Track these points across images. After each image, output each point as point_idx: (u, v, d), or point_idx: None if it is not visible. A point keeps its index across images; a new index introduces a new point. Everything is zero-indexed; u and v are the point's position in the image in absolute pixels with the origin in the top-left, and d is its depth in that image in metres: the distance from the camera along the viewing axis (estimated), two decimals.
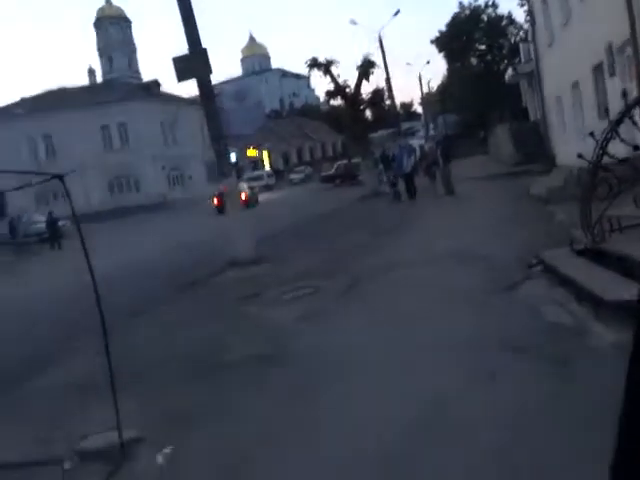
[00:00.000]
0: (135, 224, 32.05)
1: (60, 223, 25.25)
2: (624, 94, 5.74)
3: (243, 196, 32.32)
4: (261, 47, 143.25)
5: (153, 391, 4.51)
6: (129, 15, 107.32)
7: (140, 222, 32.91)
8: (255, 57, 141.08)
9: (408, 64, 54.73)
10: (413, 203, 18.25)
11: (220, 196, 29.38)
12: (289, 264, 9.82)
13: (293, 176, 58.68)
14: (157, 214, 38.07)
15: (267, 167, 67.90)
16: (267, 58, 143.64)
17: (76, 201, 4.24)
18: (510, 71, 32.65)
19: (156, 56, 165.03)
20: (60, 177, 3.76)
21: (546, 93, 23.21)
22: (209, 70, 11.92)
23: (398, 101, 68.14)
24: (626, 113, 5.47)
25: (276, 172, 60.37)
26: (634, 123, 5.48)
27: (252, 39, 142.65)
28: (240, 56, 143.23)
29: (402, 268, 7.74)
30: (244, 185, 34.65)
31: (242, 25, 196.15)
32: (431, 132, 58.84)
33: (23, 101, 54.56)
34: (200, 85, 11.91)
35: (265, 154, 73.16)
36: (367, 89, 28.08)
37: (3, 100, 66.59)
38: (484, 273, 6.66)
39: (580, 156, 6.07)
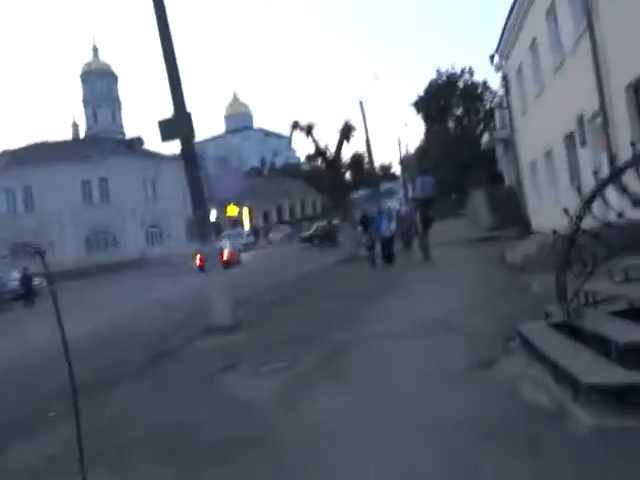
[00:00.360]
0: (111, 283, 31.65)
1: (35, 281, 24.85)
2: (595, 173, 5.88)
3: (225, 255, 32.82)
4: (244, 106, 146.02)
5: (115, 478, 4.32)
6: (116, 70, 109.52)
7: (117, 280, 32.54)
8: (238, 116, 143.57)
9: (387, 126, 56.03)
10: (390, 269, 17.81)
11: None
12: (267, 332, 9.69)
13: (272, 235, 58.84)
14: (135, 272, 37.74)
15: (247, 226, 68.10)
16: (250, 117, 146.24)
17: (52, 257, 4.17)
18: (486, 136, 33.62)
19: (141, 111, 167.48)
20: (41, 254, 3.72)
21: (521, 159, 23.81)
22: (192, 133, 12.07)
23: (377, 162, 69.62)
24: (597, 192, 5.61)
25: (256, 231, 60.58)
26: (605, 203, 5.61)
27: (236, 98, 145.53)
28: (223, 114, 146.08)
29: (378, 340, 7.68)
30: (227, 243, 34.93)
31: (226, 83, 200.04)
32: (410, 194, 59.68)
33: (4, 153, 54.63)
34: (183, 148, 12.03)
35: (245, 212, 73.49)
36: (347, 151, 28.60)
37: None
38: (461, 347, 6.63)
39: (554, 232, 6.17)
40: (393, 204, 45.67)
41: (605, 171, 11.15)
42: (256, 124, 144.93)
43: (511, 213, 24.43)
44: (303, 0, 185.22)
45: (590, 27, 11.89)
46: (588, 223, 5.82)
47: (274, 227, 66.52)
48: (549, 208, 18.04)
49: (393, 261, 18.51)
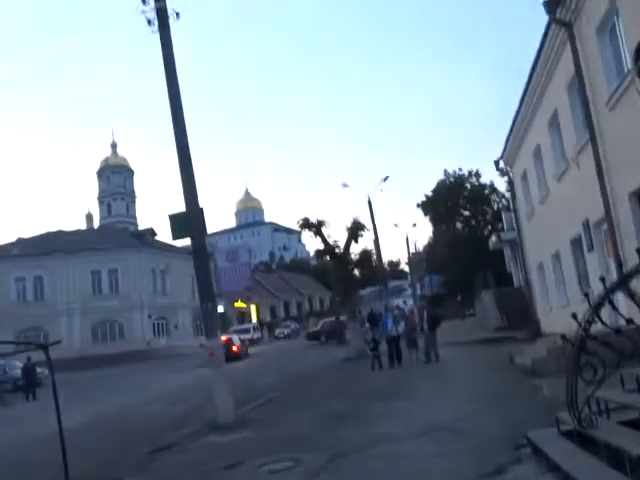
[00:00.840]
0: (116, 373, 31.23)
1: (38, 370, 24.51)
2: (602, 278, 5.93)
3: (235, 348, 33.31)
4: (256, 201, 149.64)
5: None
6: (132, 164, 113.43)
7: (122, 371, 32.10)
8: (249, 210, 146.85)
9: (395, 225, 56.83)
10: (396, 369, 17.25)
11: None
12: (270, 430, 9.48)
13: (279, 331, 58.41)
14: (140, 363, 37.27)
15: (254, 320, 67.79)
16: (261, 212, 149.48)
17: (58, 346, 4.16)
18: (494, 238, 33.93)
19: (154, 202, 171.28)
20: (45, 347, 3.75)
21: (528, 262, 23.95)
22: (204, 230, 12.28)
23: (386, 260, 70.17)
24: (605, 298, 5.64)
25: (263, 325, 60.16)
26: (614, 308, 5.62)
27: (247, 193, 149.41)
28: (235, 208, 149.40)
29: (383, 444, 7.46)
30: (236, 337, 35.36)
31: (238, 176, 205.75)
32: (418, 292, 59.70)
33: (19, 241, 55.58)
34: (194, 243, 12.21)
35: (253, 307, 73.37)
36: (356, 248, 28.86)
37: (1, 239, 67.84)
38: (469, 453, 6.44)
39: (563, 337, 6.15)
40: (401, 302, 45.59)
41: (613, 276, 11.24)
42: (266, 218, 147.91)
43: (520, 315, 24.30)
44: (316, 98, 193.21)
45: (592, 136, 12.34)
46: (598, 328, 5.82)
47: (281, 322, 66.11)
48: (558, 311, 17.98)
49: (400, 361, 17.95)
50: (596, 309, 5.73)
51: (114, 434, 11.31)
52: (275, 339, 54.67)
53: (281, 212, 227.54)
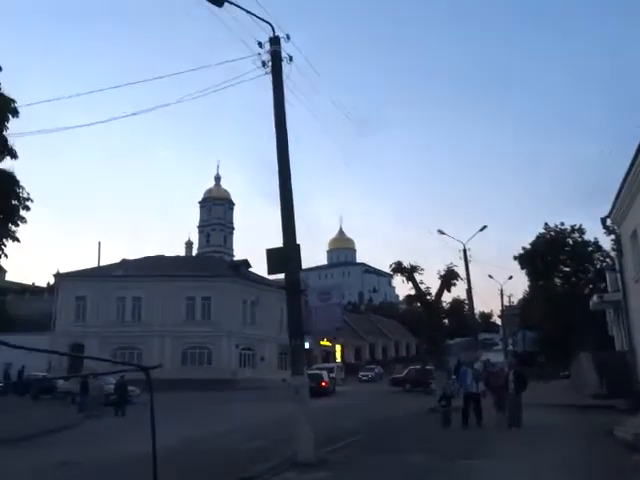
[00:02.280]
0: (202, 399, 31.97)
1: (129, 388, 25.48)
2: None
3: (323, 383, 34.13)
4: (349, 241, 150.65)
5: None
6: (233, 197, 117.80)
7: (207, 398, 32.82)
8: (341, 250, 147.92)
9: (490, 277, 55.23)
10: (475, 430, 15.76)
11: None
12: (349, 475, 9.35)
13: (363, 373, 57.81)
14: (225, 392, 38.00)
15: (338, 360, 67.54)
16: (353, 252, 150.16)
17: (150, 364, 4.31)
18: (595, 298, 32.25)
19: (251, 234, 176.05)
20: (146, 370, 3.93)
21: (634, 326, 22.53)
22: (299, 266, 12.49)
23: (477, 310, 68.17)
24: None
25: (346, 366, 59.75)
26: None
27: (341, 232, 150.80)
28: (327, 247, 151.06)
29: None
30: (325, 373, 35.92)
31: (332, 216, 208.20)
32: (509, 347, 57.56)
33: (123, 263, 58.66)
34: (288, 278, 12.42)
35: (338, 347, 73.17)
36: (448, 297, 28.43)
37: (109, 259, 71.94)
38: None
39: None
40: (492, 354, 43.99)
41: None
42: (358, 259, 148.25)
43: (621, 382, 22.77)
44: (413, 141, 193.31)
45: None
46: None
47: (365, 365, 65.45)
48: None
49: (480, 422, 16.31)
50: None
51: (198, 460, 11.55)
52: (358, 381, 54.12)
53: (373, 253, 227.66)
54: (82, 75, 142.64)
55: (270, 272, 12.99)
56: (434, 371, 27.98)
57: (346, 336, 74.58)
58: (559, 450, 11.94)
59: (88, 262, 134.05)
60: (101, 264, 59.29)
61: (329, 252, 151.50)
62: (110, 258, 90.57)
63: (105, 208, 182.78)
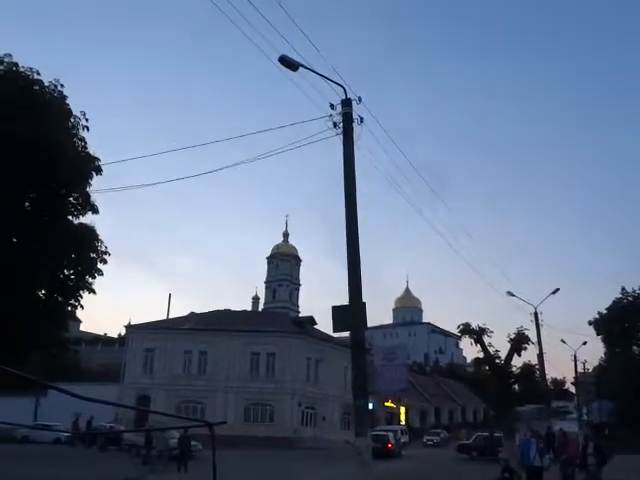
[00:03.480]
0: (265, 458, 31.63)
1: (192, 443, 25.55)
2: None
3: (390, 445, 33.80)
4: (415, 300, 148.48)
5: None
6: (300, 253, 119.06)
7: (270, 457, 32.46)
8: (407, 309, 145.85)
9: (563, 341, 53.01)
10: None
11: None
12: None
13: (428, 438, 55.86)
14: (287, 451, 37.53)
15: (402, 422, 65.65)
16: (419, 311, 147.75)
17: (213, 420, 4.34)
18: None
19: (317, 291, 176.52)
20: (210, 425, 3.98)
21: None
22: (364, 324, 12.41)
23: (549, 376, 65.22)
24: None
25: (411, 429, 57.94)
26: None
27: (408, 291, 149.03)
28: (394, 305, 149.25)
29: None
30: (391, 435, 35.35)
31: (399, 275, 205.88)
32: (584, 417, 54.49)
33: (192, 316, 59.78)
34: (353, 336, 12.36)
35: (402, 409, 71.25)
36: (518, 362, 27.40)
37: (178, 312, 73.58)
38: None
39: None
40: (566, 423, 41.76)
41: None
42: (424, 319, 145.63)
43: None
44: (480, 202, 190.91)
45: None
46: None
47: (430, 429, 63.27)
48: None
49: None
50: None
51: None
52: (423, 445, 52.30)
53: (439, 314, 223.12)
54: (155, 130, 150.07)
55: (335, 330, 12.98)
56: (503, 439, 26.72)
57: (411, 398, 72.61)
58: None
59: (158, 314, 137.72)
60: (170, 316, 60.69)
61: (395, 311, 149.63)
62: (179, 311, 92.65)
63: (177, 261, 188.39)
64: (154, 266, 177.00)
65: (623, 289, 54.99)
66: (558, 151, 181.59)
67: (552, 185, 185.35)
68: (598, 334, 55.41)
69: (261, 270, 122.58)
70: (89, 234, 18.48)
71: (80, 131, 18.34)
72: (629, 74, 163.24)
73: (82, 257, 18.40)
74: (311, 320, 60.06)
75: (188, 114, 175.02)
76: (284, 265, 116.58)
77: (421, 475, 24.26)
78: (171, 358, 52.52)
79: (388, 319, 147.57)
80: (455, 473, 24.99)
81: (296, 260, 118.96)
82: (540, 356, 33.06)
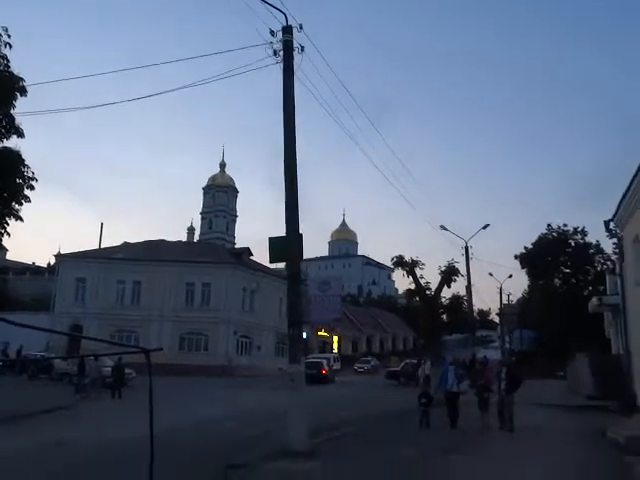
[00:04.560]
0: (198, 385, 32.07)
1: (126, 371, 25.59)
2: None
3: (324, 371, 35.34)
4: (351, 233, 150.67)
5: None
6: (238, 184, 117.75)
7: (203, 384, 32.91)
8: (343, 242, 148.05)
9: (490, 274, 55.28)
10: (462, 430, 14.85)
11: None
12: (342, 466, 9.42)
13: (359, 365, 57.93)
14: (221, 378, 38.15)
15: (335, 351, 67.72)
16: (354, 244, 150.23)
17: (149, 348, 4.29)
18: (594, 300, 32.27)
19: (253, 222, 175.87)
20: (147, 352, 3.95)
21: (631, 330, 22.56)
22: (301, 256, 12.53)
23: (476, 307, 68.27)
24: None
25: (343, 357, 59.91)
26: None
27: (344, 224, 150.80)
28: (329, 238, 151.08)
29: None
30: (325, 362, 38.55)
31: (335, 208, 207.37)
32: (507, 345, 57.67)
33: (125, 246, 58.68)
34: (289, 267, 12.48)
35: (335, 338, 73.33)
36: (447, 293, 28.48)
37: (110, 242, 71.96)
38: None
39: None
40: (490, 352, 44.15)
41: None
42: (359, 251, 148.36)
43: (615, 384, 22.83)
44: (421, 138, 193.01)
45: None
46: None
47: (361, 357, 65.58)
48: None
49: (455, 423, 15.40)
50: None
51: (191, 445, 11.60)
52: (354, 373, 54.29)
53: (374, 247, 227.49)
54: (94, 55, 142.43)
55: (272, 261, 13.05)
56: (423, 365, 27.93)
57: (344, 327, 74.72)
58: (550, 450, 12.00)
59: (90, 244, 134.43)
60: (103, 246, 59.31)
61: (331, 243, 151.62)
62: (112, 241, 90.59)
63: (109, 190, 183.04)
64: (86, 193, 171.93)
65: (549, 225, 57.58)
66: (508, 84, 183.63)
67: (493, 121, 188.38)
68: (523, 267, 58.09)
69: (198, 201, 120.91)
70: (14, 159, 17.60)
71: (1, 48, 17.14)
72: None
73: (7, 183, 17.57)
74: (247, 251, 60.06)
75: (128, 35, 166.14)
76: (221, 196, 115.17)
77: (352, 398, 25.24)
78: (104, 288, 51.76)
79: (324, 251, 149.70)
80: (381, 397, 26.16)
81: (233, 191, 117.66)
82: (468, 288, 34.42)
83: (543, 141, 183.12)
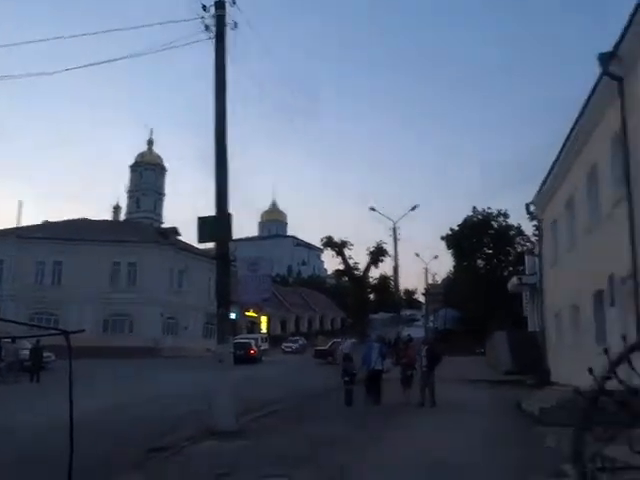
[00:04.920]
0: (122, 367, 31.34)
1: (45, 354, 24.75)
2: (623, 337, 5.88)
3: (252, 351, 35.45)
4: (281, 214, 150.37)
5: None
6: (166, 162, 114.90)
7: (127, 366, 32.21)
8: (273, 222, 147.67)
9: (417, 255, 56.57)
10: (381, 407, 14.98)
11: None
12: (269, 443, 9.47)
13: (286, 345, 58.25)
14: (147, 359, 37.50)
15: (263, 331, 67.86)
16: (284, 225, 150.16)
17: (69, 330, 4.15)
18: (514, 280, 33.66)
19: (182, 202, 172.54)
20: (66, 334, 3.80)
21: (546, 308, 23.70)
22: (230, 236, 12.38)
23: (402, 287, 69.89)
24: (624, 357, 5.57)
25: (272, 337, 60.10)
26: (632, 368, 5.56)
27: (274, 205, 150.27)
28: (259, 218, 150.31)
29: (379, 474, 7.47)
30: (253, 342, 38.52)
31: (265, 188, 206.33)
32: (431, 324, 59.36)
33: (45, 225, 56.33)
34: (218, 248, 12.30)
35: (264, 318, 73.42)
36: (375, 273, 28.98)
37: (29, 220, 68.99)
38: None
39: (577, 392, 6.08)
40: (411, 332, 45.30)
41: (633, 335, 11.08)
42: (289, 232, 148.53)
43: (531, 359, 23.98)
44: (349, 115, 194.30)
45: (629, 194, 12.28)
46: (612, 386, 5.77)
47: (289, 337, 65.97)
48: (570, 361, 17.71)
49: (379, 401, 15.60)
50: (614, 366, 5.70)
51: (113, 429, 11.32)
52: (282, 352, 54.57)
53: (304, 227, 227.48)
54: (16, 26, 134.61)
55: (200, 240, 12.81)
56: (342, 342, 28.28)
57: (272, 308, 74.91)
58: (469, 422, 12.50)
59: (7, 222, 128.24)
60: (21, 225, 56.67)
61: (261, 224, 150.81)
62: (31, 220, 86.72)
63: (28, 167, 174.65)
64: (3, 171, 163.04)
65: (474, 208, 59.39)
66: (430, 65, 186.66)
67: (423, 103, 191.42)
68: (449, 249, 59.80)
69: (124, 179, 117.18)
70: None
71: None
72: None
73: None
74: (175, 231, 58.98)
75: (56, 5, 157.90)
76: (148, 174, 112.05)
77: (279, 378, 25.37)
78: (22, 268, 49.59)
79: (254, 232, 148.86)
80: (308, 376, 26.44)
81: (161, 169, 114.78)
82: (395, 268, 35.19)
83: (470, 124, 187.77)
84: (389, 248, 30.17)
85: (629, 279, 12.81)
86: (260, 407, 13.86)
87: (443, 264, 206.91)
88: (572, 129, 16.69)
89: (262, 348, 45.63)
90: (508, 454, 8.58)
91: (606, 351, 5.81)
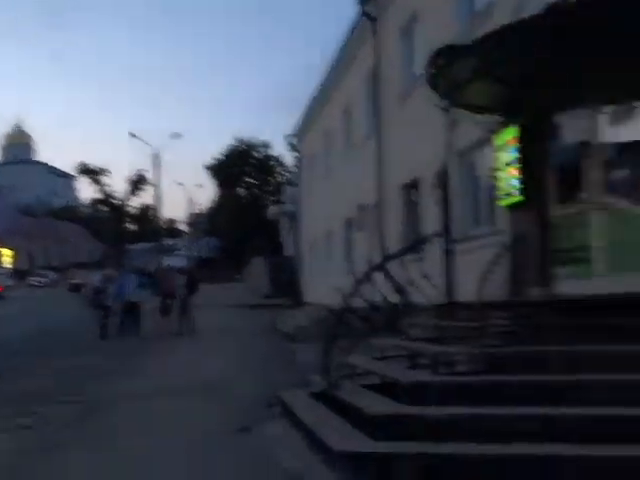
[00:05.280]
0: None
1: None
2: (367, 259, 6.49)
3: None
4: (27, 137, 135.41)
5: None
6: None
7: None
8: (17, 146, 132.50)
9: (180, 184, 55.61)
10: (137, 341, 14.43)
11: None
12: (16, 382, 8.73)
13: (34, 279, 53.78)
14: None
15: (8, 265, 61.86)
16: (31, 150, 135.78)
17: None
18: (274, 208, 35.00)
19: None
20: None
21: (302, 234, 25.12)
22: None
23: (166, 217, 68.39)
24: (367, 276, 6.15)
25: (18, 272, 55.03)
26: (373, 286, 6.16)
27: (18, 127, 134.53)
28: (3, 142, 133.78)
29: (136, 400, 7.35)
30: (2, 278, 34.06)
31: (7, 108, 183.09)
32: (193, 253, 59.44)
33: None
34: None
35: (7, 252, 66.83)
36: (135, 202, 27.82)
37: None
38: (222, 411, 6.61)
39: (330, 310, 6.61)
40: (176, 260, 45.03)
41: (376, 257, 12.28)
42: (39, 158, 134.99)
43: (287, 283, 25.42)
44: (109, 36, 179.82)
45: (378, 130, 13.33)
46: (357, 302, 6.33)
47: (37, 271, 60.73)
48: (322, 283, 19.16)
49: (138, 332, 15.26)
50: (358, 284, 6.25)
51: None
52: (30, 288, 50.19)
53: (58, 154, 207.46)
54: None
55: None
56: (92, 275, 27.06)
57: (19, 241, 68.38)
58: (229, 344, 12.98)
59: None
60: None
61: (5, 149, 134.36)
62: None
63: None
64: None
65: (237, 138, 59.71)
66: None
67: (194, 29, 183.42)
68: (213, 178, 59.74)
69: None
70: None
71: None
72: None
73: None
74: None
75: None
76: None
77: (22, 315, 23.36)
78: None
79: None
80: (58, 310, 24.80)
81: None
82: (157, 197, 34.20)
83: (239, 53, 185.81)
84: (151, 177, 29.05)
85: (375, 208, 14.10)
86: (6, 346, 12.71)
87: (208, 193, 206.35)
88: (331, 67, 17.46)
89: (7, 284, 41.61)
90: (265, 370, 9.04)
91: (353, 273, 6.36)
